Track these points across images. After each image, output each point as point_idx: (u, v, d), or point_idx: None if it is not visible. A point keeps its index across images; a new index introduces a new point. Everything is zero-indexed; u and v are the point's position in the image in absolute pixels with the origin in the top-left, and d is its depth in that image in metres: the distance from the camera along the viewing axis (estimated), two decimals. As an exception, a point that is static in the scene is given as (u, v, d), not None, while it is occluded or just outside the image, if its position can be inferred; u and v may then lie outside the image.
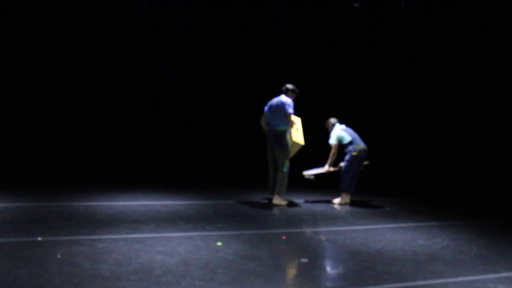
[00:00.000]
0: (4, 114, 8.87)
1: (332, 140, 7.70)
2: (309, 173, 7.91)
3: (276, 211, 6.98)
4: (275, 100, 7.35)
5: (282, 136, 7.17)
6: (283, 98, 7.30)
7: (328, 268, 4.52)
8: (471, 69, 9.20)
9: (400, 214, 7.07)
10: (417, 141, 10.20)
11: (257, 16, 10.20)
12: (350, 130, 7.81)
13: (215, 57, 10.27)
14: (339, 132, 7.72)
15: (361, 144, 7.68)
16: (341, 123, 7.93)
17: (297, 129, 7.48)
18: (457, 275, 4.34)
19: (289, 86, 7.44)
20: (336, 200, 7.72)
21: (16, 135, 8.90)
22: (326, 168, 7.80)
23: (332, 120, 7.95)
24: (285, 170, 7.21)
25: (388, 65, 10.76)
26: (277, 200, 7.29)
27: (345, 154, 7.73)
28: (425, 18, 9.76)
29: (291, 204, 7.46)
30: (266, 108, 7.44)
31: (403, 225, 6.35)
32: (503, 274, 4.42)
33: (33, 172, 8.73)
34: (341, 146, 7.74)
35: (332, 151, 7.69)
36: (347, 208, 7.47)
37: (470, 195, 8.84)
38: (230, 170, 10.06)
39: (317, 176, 7.93)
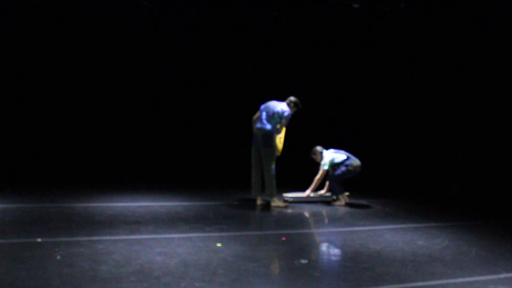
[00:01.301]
0: (3, 115, 8.87)
1: (326, 166, 7.57)
2: (290, 195, 7.79)
3: (275, 212, 6.97)
4: (274, 103, 7.20)
5: (270, 137, 7.07)
6: (284, 106, 7.15)
7: (327, 269, 4.52)
8: (471, 69, 9.19)
9: (399, 215, 7.07)
10: (417, 142, 10.19)
11: (257, 17, 10.20)
12: (341, 151, 7.80)
13: (215, 57, 10.27)
14: (331, 156, 7.66)
15: (357, 161, 7.67)
16: (327, 148, 7.84)
17: (280, 138, 7.31)
18: (457, 276, 4.34)
19: (292, 98, 7.31)
20: (336, 203, 7.70)
21: (15, 135, 8.90)
22: (307, 193, 7.69)
23: (319, 148, 7.80)
24: (272, 172, 7.13)
25: (388, 65, 10.76)
26: (274, 202, 7.24)
27: (337, 168, 7.64)
28: (424, 19, 9.76)
29: (290, 205, 7.45)
30: (262, 106, 7.26)
31: (402, 226, 6.35)
32: (503, 275, 4.42)
33: (33, 173, 8.73)
34: (333, 166, 7.69)
35: (318, 176, 7.56)
36: (347, 209, 7.46)
37: (470, 196, 8.83)
38: (229, 171, 10.05)
39: (296, 199, 7.78)
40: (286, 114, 7.07)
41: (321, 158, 7.75)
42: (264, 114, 7.15)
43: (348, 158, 7.66)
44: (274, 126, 7.07)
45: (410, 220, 6.71)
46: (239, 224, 6.06)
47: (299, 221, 6.68)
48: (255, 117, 7.32)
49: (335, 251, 5.18)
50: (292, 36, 10.55)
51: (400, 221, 6.66)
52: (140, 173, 9.41)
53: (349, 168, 7.57)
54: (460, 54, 9.33)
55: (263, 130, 7.08)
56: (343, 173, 7.59)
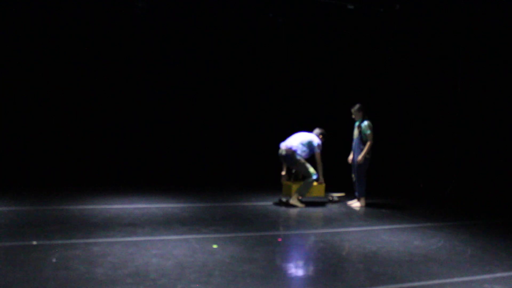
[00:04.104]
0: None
1: (369, 130, 7.43)
2: (332, 195, 8.08)
3: (271, 213, 6.97)
4: (302, 133, 7.73)
5: (292, 156, 7.47)
6: (315, 139, 7.63)
7: (324, 270, 4.52)
8: (466, 69, 9.22)
9: (395, 216, 7.08)
10: (413, 142, 10.22)
11: (256, 19, 10.21)
12: None
13: (214, 58, 10.27)
14: (371, 128, 7.52)
15: None
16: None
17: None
18: (453, 275, 4.36)
19: (318, 130, 7.85)
20: (356, 204, 7.70)
21: (11, 138, 8.86)
22: (359, 158, 7.50)
23: (362, 106, 7.63)
24: (312, 179, 7.49)
25: (383, 66, 10.78)
26: (294, 201, 7.50)
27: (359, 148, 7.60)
28: (419, 20, 9.78)
29: (291, 206, 7.46)
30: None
31: (399, 226, 6.36)
32: (498, 275, 4.44)
33: (28, 176, 8.69)
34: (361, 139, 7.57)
35: (370, 142, 7.43)
36: (343, 209, 7.47)
37: (466, 196, 8.86)
38: (226, 173, 10.05)
39: (339, 197, 8.17)
40: (315, 144, 7.60)
41: (362, 119, 7.57)
42: (292, 138, 7.63)
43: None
44: (298, 147, 7.50)
45: (406, 221, 6.73)
46: (235, 225, 6.06)
47: (295, 222, 6.68)
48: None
49: (332, 252, 5.17)
50: (290, 37, 10.58)
51: (396, 221, 6.68)
52: (136, 175, 9.38)
53: (367, 156, 7.52)
54: (455, 54, 9.37)
55: (288, 150, 7.49)
56: (364, 166, 7.55)
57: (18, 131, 8.94)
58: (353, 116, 7.71)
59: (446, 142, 9.55)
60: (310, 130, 7.88)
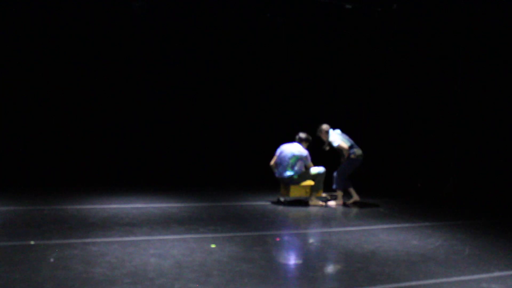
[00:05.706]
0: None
1: (338, 142, 7.51)
2: (329, 194, 8.11)
3: (269, 213, 6.98)
4: (287, 147, 7.59)
5: (291, 179, 7.48)
6: (299, 148, 7.53)
7: (322, 269, 4.53)
8: (464, 68, 9.24)
9: (393, 215, 7.09)
10: (411, 142, 10.23)
11: (256, 19, 10.20)
12: (346, 136, 7.76)
13: (214, 58, 10.26)
14: (339, 137, 7.63)
15: (359, 149, 7.66)
16: (334, 128, 7.83)
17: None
18: (451, 275, 4.36)
19: (302, 135, 7.70)
20: (332, 203, 7.70)
21: (9, 138, 8.84)
22: (343, 160, 7.66)
23: (325, 126, 7.79)
24: (322, 171, 7.53)
25: (381, 65, 10.78)
26: (313, 201, 7.55)
27: (340, 157, 7.71)
28: (417, 19, 9.79)
29: (290, 206, 7.46)
30: (277, 151, 7.69)
31: (396, 225, 6.37)
32: (496, 274, 4.45)
33: (26, 176, 8.67)
34: (337, 150, 7.67)
35: (342, 146, 7.45)
36: (341, 209, 7.48)
37: (464, 195, 8.88)
38: (225, 173, 10.05)
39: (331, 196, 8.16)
40: (304, 155, 7.52)
41: (328, 136, 7.69)
42: (280, 163, 7.54)
43: (351, 146, 7.63)
44: (292, 170, 7.45)
45: (404, 220, 6.74)
46: (233, 225, 6.06)
47: (293, 221, 6.68)
48: (272, 162, 7.71)
49: (330, 251, 5.18)
50: (287, 36, 10.58)
51: (394, 221, 6.69)
52: (134, 174, 9.37)
53: (352, 156, 7.56)
54: (453, 53, 9.38)
55: (284, 178, 7.52)
56: (349, 164, 7.58)
57: (16, 131, 8.91)
58: (322, 139, 7.79)
59: (445, 142, 9.56)
60: (308, 130, 7.87)
